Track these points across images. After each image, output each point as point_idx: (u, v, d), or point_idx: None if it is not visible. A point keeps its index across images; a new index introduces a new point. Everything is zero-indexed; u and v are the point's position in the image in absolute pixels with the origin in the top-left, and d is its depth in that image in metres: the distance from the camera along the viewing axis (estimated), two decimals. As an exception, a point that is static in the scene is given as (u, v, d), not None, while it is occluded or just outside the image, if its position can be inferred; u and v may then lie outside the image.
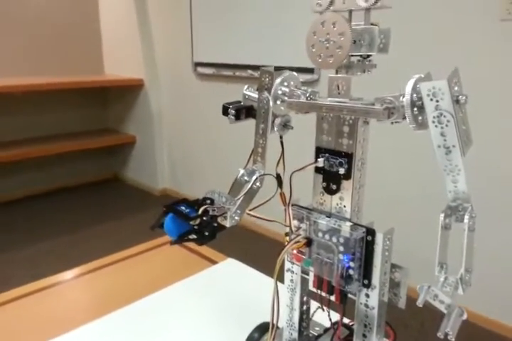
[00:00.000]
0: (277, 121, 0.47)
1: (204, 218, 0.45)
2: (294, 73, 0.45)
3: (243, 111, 0.50)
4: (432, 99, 0.34)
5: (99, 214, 2.85)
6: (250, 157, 0.51)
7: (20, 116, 3.04)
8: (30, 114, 3.09)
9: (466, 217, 0.35)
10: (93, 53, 3.32)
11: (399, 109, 0.36)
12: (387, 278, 0.41)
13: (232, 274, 0.84)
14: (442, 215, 0.36)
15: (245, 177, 0.50)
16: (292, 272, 0.49)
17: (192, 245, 0.96)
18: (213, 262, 0.89)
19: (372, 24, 0.37)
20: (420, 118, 0.35)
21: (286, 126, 0.48)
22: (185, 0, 2.57)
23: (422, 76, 0.35)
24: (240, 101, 0.51)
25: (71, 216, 2.81)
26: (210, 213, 0.45)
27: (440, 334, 0.34)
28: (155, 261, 0.91)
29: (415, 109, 0.35)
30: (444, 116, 0.34)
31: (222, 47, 2.46)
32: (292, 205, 0.45)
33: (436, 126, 0.34)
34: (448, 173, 0.36)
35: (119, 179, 3.58)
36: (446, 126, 0.34)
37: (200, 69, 2.64)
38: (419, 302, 0.36)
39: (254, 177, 0.50)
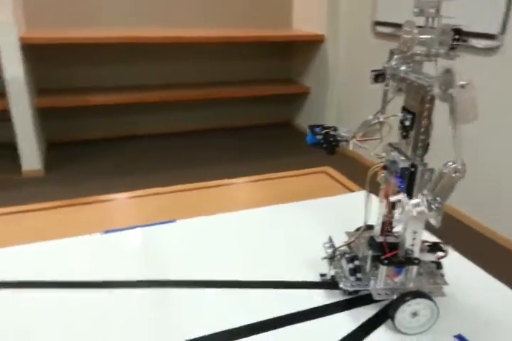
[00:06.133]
0: (393, 85, 0.71)
1: (325, 137, 0.73)
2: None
3: (380, 76, 0.74)
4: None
5: (269, 151, 3.36)
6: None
7: (211, 62, 3.64)
8: (219, 61, 3.67)
9: None
10: (284, 8, 3.68)
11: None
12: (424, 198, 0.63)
13: (357, 203, 1.01)
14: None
15: (371, 121, 0.76)
16: (378, 184, 0.74)
17: (336, 175, 1.12)
18: (351, 191, 1.02)
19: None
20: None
21: (400, 90, 0.71)
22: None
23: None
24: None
25: (240, 149, 3.43)
26: (331, 133, 0.73)
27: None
28: (299, 183, 1.07)
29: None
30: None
31: (405, 6, 2.52)
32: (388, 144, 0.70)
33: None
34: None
35: (290, 125, 4.01)
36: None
37: (379, 28, 2.75)
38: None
39: (375, 121, 0.75)
